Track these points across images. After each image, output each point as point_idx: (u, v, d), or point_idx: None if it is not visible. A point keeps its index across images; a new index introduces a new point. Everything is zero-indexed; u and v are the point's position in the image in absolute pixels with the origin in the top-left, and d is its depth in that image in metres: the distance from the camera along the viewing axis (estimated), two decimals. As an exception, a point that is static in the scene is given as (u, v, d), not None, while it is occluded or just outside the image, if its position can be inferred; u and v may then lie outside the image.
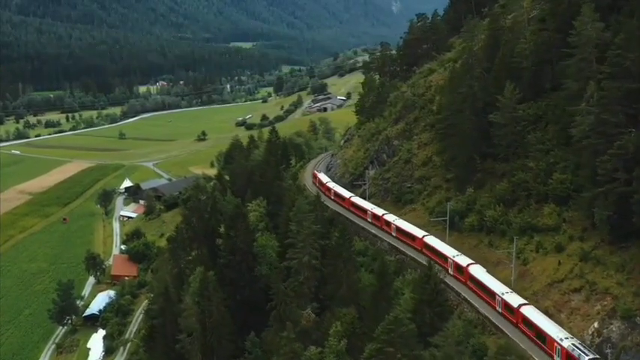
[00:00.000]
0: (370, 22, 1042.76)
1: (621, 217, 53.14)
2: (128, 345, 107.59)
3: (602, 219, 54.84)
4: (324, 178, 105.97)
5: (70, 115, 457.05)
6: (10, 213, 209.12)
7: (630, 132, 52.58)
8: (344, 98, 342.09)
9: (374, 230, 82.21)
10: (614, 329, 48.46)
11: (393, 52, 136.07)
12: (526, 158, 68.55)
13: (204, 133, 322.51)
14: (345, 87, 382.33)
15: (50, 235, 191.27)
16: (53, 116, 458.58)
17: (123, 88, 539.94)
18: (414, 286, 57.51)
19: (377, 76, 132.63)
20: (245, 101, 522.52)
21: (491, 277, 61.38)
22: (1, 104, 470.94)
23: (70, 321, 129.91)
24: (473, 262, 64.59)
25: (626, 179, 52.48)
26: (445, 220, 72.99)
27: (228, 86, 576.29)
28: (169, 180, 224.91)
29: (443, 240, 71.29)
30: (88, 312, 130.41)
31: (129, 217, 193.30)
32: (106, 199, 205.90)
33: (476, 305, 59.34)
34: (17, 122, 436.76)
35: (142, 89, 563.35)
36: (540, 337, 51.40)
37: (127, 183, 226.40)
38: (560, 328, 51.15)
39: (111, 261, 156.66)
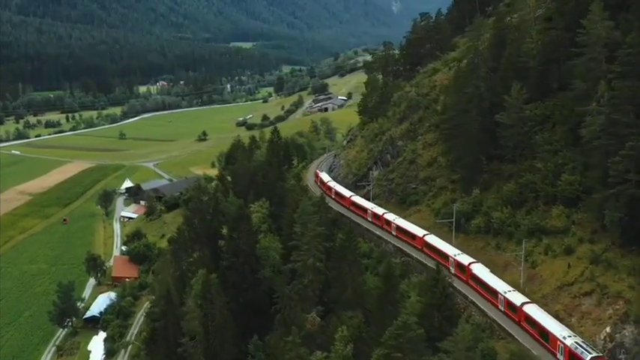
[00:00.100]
0: (370, 22, 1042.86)
1: (633, 219, 52.36)
2: (129, 348, 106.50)
3: (613, 221, 53.93)
4: (325, 177, 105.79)
5: (70, 115, 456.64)
6: (10, 214, 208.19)
7: (642, 132, 51.69)
8: (345, 98, 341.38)
9: (378, 232, 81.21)
10: (627, 334, 47.48)
11: (396, 51, 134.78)
12: (533, 159, 67.54)
13: (204, 134, 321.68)
14: (345, 87, 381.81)
15: (50, 236, 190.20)
16: (53, 116, 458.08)
17: (123, 88, 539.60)
18: (422, 289, 56.37)
19: (380, 76, 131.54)
20: (245, 101, 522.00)
21: (494, 275, 61.02)
22: (1, 104, 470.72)
23: (70, 323, 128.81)
24: (474, 260, 64.29)
25: (638, 181, 51.71)
26: (451, 221, 71.96)
27: (228, 86, 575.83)
28: (170, 180, 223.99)
29: (449, 242, 70.34)
30: (88, 314, 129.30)
31: (129, 218, 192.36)
32: (107, 199, 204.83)
33: (484, 309, 58.33)
34: (17, 122, 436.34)
35: (142, 89, 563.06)
36: (543, 335, 51.20)
37: (128, 183, 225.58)
38: (563, 326, 50.82)
39: (111, 262, 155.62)
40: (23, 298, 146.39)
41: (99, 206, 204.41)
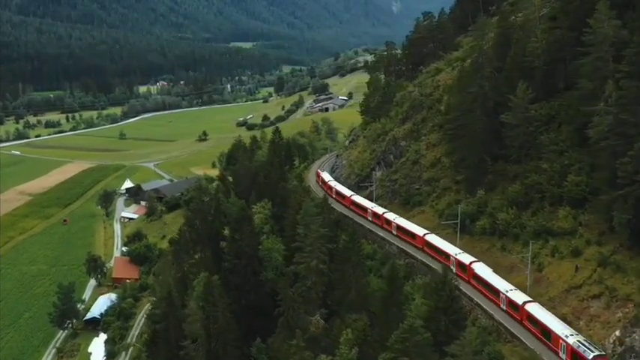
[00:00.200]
0: (370, 22, 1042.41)
1: (642, 221, 51.56)
2: (130, 350, 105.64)
3: (622, 223, 53.22)
4: (326, 176, 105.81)
5: (70, 115, 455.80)
6: (10, 214, 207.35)
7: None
8: (346, 98, 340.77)
9: (381, 233, 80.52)
10: (637, 337, 46.69)
11: (398, 51, 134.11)
12: (539, 160, 66.91)
13: (205, 134, 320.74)
14: (346, 87, 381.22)
15: (50, 236, 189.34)
16: (53, 116, 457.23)
17: (123, 88, 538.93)
18: (428, 292, 55.62)
19: (382, 76, 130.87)
20: (246, 101, 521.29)
21: (495, 274, 60.77)
22: (1, 104, 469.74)
23: (70, 325, 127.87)
24: (475, 259, 64.09)
25: (647, 182, 50.85)
26: (456, 223, 71.24)
27: (228, 86, 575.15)
28: (170, 181, 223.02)
29: (453, 243, 69.67)
30: (89, 315, 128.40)
31: (130, 219, 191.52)
32: (107, 200, 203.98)
33: (491, 312, 57.60)
34: (17, 122, 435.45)
35: (142, 89, 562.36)
36: (545, 334, 51.01)
37: (128, 184, 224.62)
38: (565, 324, 50.60)
39: (112, 263, 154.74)
40: (23, 300, 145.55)
41: (99, 207, 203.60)
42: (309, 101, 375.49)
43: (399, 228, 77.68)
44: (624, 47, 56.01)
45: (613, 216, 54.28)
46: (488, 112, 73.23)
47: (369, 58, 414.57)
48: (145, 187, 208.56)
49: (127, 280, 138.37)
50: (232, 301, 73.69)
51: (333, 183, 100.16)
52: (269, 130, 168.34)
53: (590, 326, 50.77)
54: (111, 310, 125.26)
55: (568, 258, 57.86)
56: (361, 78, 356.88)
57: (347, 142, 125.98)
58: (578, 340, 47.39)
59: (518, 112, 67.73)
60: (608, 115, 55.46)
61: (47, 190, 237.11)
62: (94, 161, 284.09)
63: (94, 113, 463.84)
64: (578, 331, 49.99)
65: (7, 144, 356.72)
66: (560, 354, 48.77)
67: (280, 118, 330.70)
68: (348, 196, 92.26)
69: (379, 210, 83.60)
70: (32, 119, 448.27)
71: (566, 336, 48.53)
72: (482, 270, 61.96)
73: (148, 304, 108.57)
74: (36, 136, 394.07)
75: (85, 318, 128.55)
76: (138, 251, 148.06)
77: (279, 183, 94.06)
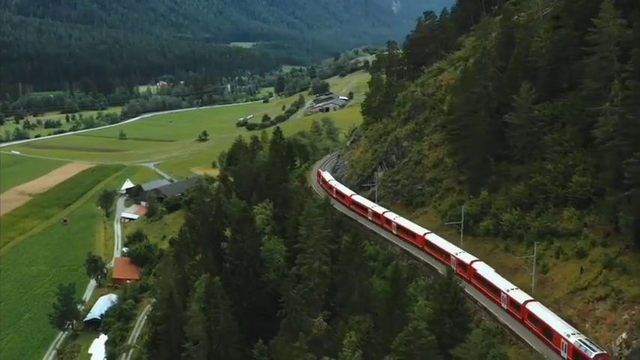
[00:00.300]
0: (370, 22, 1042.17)
1: (648, 222, 51.07)
2: (131, 351, 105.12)
3: (627, 224, 52.75)
4: (327, 176, 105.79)
5: (70, 115, 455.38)
6: (9, 214, 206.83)
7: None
8: (346, 98, 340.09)
9: (384, 234, 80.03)
10: (644, 340, 46.19)
11: (400, 51, 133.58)
12: (543, 160, 66.40)
13: (205, 134, 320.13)
14: (346, 87, 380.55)
15: (50, 237, 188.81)
16: (53, 116, 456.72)
17: (123, 88, 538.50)
18: (433, 294, 55.13)
19: (384, 76, 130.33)
20: (246, 101, 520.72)
21: (496, 273, 60.61)
22: (1, 104, 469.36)
23: (70, 326, 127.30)
24: (476, 259, 63.99)
25: (654, 183, 50.36)
26: (459, 224, 70.75)
27: (228, 86, 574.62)
28: (171, 181, 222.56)
29: (456, 244, 69.19)
30: (89, 316, 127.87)
31: (130, 219, 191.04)
32: (107, 200, 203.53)
33: (495, 314, 57.10)
34: (17, 122, 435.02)
35: (142, 89, 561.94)
36: (547, 333, 50.90)
37: (128, 184, 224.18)
38: (566, 324, 50.42)
39: (112, 264, 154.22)
40: (23, 301, 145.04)
41: (99, 207, 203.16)
42: (309, 101, 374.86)
43: (400, 227, 77.65)
44: (629, 47, 55.53)
45: (618, 217, 53.90)
46: (492, 112, 72.83)
47: (370, 58, 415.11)
48: (146, 187, 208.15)
49: (128, 281, 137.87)
50: (234, 302, 73.24)
51: (334, 182, 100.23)
52: (270, 130, 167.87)
53: (596, 328, 50.23)
54: (111, 311, 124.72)
55: (573, 259, 57.34)
56: (361, 78, 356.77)
57: (348, 143, 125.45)
58: (580, 340, 47.32)
59: (522, 112, 67.24)
60: (613, 115, 54.97)
61: (47, 190, 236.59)
62: (94, 161, 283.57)
63: (94, 113, 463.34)
64: (584, 333, 49.48)
65: (7, 144, 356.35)
66: (562, 353, 48.71)
67: (281, 118, 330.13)
68: (349, 195, 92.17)
69: (379, 209, 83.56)
70: (32, 119, 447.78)
71: (568, 335, 48.52)
72: (483, 269, 61.89)
73: (149, 305, 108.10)
74: (36, 136, 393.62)
75: (86, 319, 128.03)
76: (138, 252, 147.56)
77: (281, 183, 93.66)
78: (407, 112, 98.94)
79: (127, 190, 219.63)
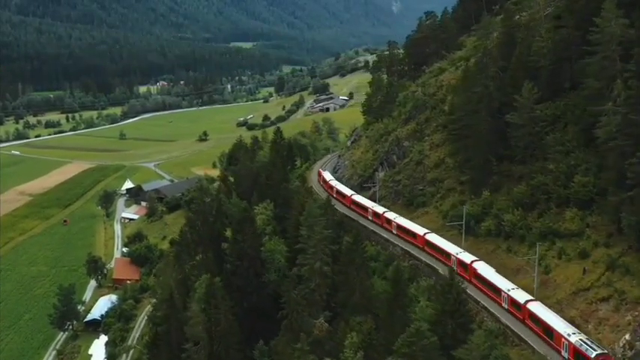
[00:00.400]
0: (370, 22, 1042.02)
1: (651, 222, 50.78)
2: (131, 352, 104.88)
3: (630, 224, 52.51)
4: (327, 175, 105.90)
5: (70, 115, 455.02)
6: (9, 215, 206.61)
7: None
8: (346, 98, 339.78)
9: (385, 234, 79.80)
10: (647, 341, 45.92)
11: (401, 51, 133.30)
12: (545, 160, 66.16)
13: (205, 134, 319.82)
14: (346, 87, 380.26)
15: (50, 237, 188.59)
16: (53, 116, 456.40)
17: (123, 88, 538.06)
18: (435, 295, 54.87)
19: (384, 76, 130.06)
20: (246, 101, 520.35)
21: (496, 273, 60.57)
22: (1, 104, 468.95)
23: (71, 326, 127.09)
24: (477, 258, 64.05)
25: (657, 183, 50.11)
26: (461, 224, 70.50)
27: (228, 86, 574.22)
28: (171, 181, 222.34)
29: (458, 244, 68.97)
30: (89, 317, 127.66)
31: (130, 219, 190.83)
32: (107, 200, 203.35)
33: (497, 314, 56.86)
34: (17, 122, 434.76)
35: (142, 89, 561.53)
36: (547, 332, 50.85)
37: (129, 184, 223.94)
38: (567, 323, 50.34)
39: (112, 264, 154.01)
40: (23, 301, 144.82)
41: (99, 207, 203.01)
42: (309, 101, 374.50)
43: (400, 227, 77.66)
44: (632, 46, 55.32)
45: (621, 217, 53.69)
46: (493, 112, 72.65)
47: (370, 58, 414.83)
48: (146, 187, 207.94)
49: (128, 282, 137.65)
50: (234, 303, 72.93)
51: (334, 182, 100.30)
52: (270, 130, 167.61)
53: (599, 329, 49.97)
54: (111, 312, 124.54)
55: (575, 260, 57.10)
56: (362, 78, 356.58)
57: (349, 143, 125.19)
58: (581, 339, 47.30)
59: (524, 112, 66.98)
60: (616, 115, 54.69)
61: (47, 190, 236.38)
62: (94, 161, 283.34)
63: (94, 113, 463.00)
64: (587, 334, 49.23)
65: (7, 144, 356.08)
66: (563, 353, 48.70)
67: (281, 118, 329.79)
68: (349, 195, 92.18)
69: (379, 209, 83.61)
70: (32, 119, 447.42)
71: (569, 334, 48.50)
72: (484, 269, 61.87)
73: (149, 305, 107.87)
74: (36, 137, 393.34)
75: (86, 320, 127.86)
76: (138, 252, 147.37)
77: (282, 184, 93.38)
78: (408, 112, 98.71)
79: (127, 190, 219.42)
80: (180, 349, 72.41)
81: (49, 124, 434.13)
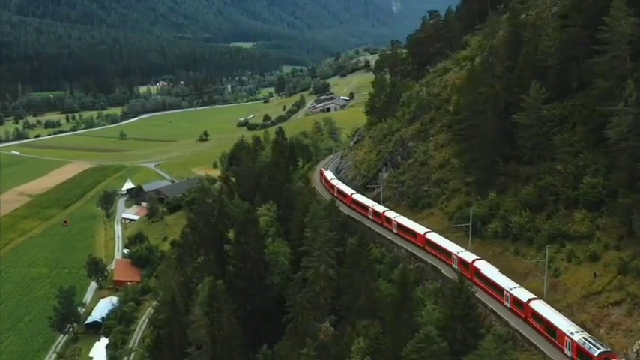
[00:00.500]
0: (370, 22, 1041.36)
1: (663, 225, 49.89)
2: (132, 355, 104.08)
3: (642, 227, 51.48)
4: (329, 175, 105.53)
5: (70, 115, 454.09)
6: (9, 215, 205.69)
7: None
8: (347, 98, 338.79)
9: (390, 236, 78.85)
10: (661, 347, 44.96)
11: (404, 50, 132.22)
12: (553, 161, 65.10)
13: (206, 134, 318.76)
14: (347, 87, 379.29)
15: (51, 238, 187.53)
16: (53, 117, 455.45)
17: (123, 88, 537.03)
18: (444, 299, 53.88)
19: (388, 76, 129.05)
20: (246, 101, 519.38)
21: (498, 272, 60.17)
22: (1, 104, 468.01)
23: (71, 329, 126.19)
24: (478, 257, 63.73)
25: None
26: (467, 226, 69.52)
27: (229, 86, 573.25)
28: (172, 181, 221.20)
29: (465, 246, 68.03)
30: (90, 319, 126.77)
31: (131, 220, 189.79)
32: (108, 201, 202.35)
33: (506, 318, 55.87)
34: (17, 123, 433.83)
35: (142, 89, 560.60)
36: (550, 330, 50.52)
37: (129, 184, 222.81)
38: (570, 321, 50.00)
39: (113, 265, 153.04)
40: (23, 303, 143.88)
41: (100, 208, 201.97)
42: (310, 101, 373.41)
43: (400, 226, 77.23)
44: (644, 45, 54.38)
45: (632, 219, 52.80)
46: (500, 112, 71.54)
47: (370, 58, 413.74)
48: (146, 187, 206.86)
49: (129, 283, 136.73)
50: (237, 306, 72.15)
51: (335, 182, 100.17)
52: (272, 131, 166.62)
53: (612, 334, 48.96)
54: (112, 314, 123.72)
55: (585, 263, 56.05)
56: (362, 78, 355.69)
57: (351, 143, 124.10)
58: (584, 337, 47.02)
59: (531, 112, 65.87)
60: (627, 116, 53.72)
61: (47, 191, 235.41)
62: (94, 162, 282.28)
63: (94, 113, 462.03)
64: (599, 339, 48.27)
65: (7, 144, 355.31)
66: (566, 351, 48.38)
67: (281, 119, 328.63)
68: (349, 194, 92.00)
69: (379, 208, 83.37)
70: (32, 119, 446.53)
71: (572, 333, 48.20)
72: (486, 268, 61.45)
73: (150, 307, 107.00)
74: (36, 137, 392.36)
75: (86, 322, 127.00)
76: (139, 253, 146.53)
77: (285, 185, 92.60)
78: (412, 112, 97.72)
79: (128, 190, 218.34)
80: (182, 352, 71.73)
81: (48, 125, 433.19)
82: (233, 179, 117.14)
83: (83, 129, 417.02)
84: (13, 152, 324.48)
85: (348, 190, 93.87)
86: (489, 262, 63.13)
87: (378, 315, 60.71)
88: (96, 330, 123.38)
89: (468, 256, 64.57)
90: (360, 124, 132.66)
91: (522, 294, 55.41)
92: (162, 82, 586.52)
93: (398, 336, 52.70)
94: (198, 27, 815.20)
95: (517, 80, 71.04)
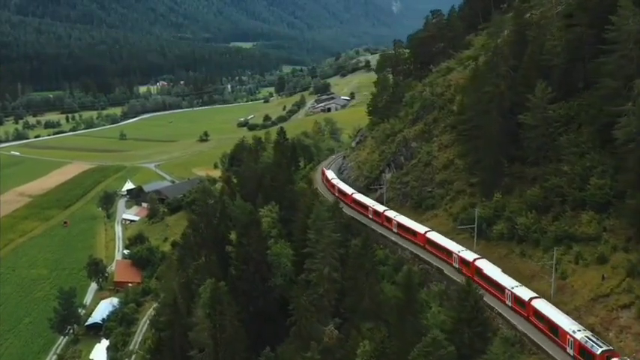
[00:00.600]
0: (370, 22, 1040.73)
1: (673, 226, 49.18)
2: (133, 357, 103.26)
3: (651, 228, 50.77)
4: (330, 174, 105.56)
5: (69, 115, 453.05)
6: (9, 216, 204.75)
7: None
8: (348, 98, 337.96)
9: (393, 237, 78.12)
10: (672, 351, 44.27)
11: (406, 50, 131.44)
12: (559, 162, 64.40)
13: (206, 134, 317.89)
14: (347, 87, 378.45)
15: (51, 239, 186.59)
16: (53, 117, 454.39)
17: (123, 88, 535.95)
18: (448, 301, 53.10)
19: (390, 75, 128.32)
20: (246, 101, 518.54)
21: (499, 270, 59.92)
22: (1, 105, 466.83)
23: (71, 330, 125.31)
24: (479, 256, 63.50)
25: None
26: (472, 227, 68.77)
27: (229, 86, 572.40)
28: (172, 182, 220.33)
29: (470, 248, 67.31)
30: (90, 321, 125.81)
31: (131, 221, 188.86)
32: (108, 201, 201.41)
33: (514, 322, 55.11)
34: (16, 123, 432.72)
35: (142, 89, 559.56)
36: (552, 329, 50.33)
37: (129, 185, 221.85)
38: (572, 320, 49.69)
39: (113, 267, 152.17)
40: (23, 304, 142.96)
41: (100, 208, 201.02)
42: (310, 101, 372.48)
43: (400, 226, 76.86)
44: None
45: (641, 221, 52.01)
46: (504, 112, 70.80)
47: (370, 57, 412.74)
48: (147, 188, 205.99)
49: (129, 284, 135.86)
50: (240, 308, 71.50)
51: (336, 181, 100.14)
52: (273, 131, 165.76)
53: (621, 338, 48.22)
54: (113, 316, 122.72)
55: (593, 265, 55.32)
56: (363, 78, 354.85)
57: (353, 143, 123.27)
58: (587, 336, 46.75)
59: (537, 112, 65.25)
60: (635, 116, 53.01)
61: (47, 191, 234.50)
62: (94, 162, 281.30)
63: (94, 113, 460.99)
64: (609, 342, 47.52)
65: (7, 144, 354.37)
66: (568, 349, 48.07)
67: (282, 119, 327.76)
68: (350, 194, 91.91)
69: (380, 208, 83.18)
70: (32, 119, 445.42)
71: (574, 331, 47.93)
72: (487, 267, 61.08)
73: (151, 309, 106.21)
74: (35, 137, 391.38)
75: (87, 323, 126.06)
76: (140, 254, 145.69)
77: (287, 185, 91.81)
78: (415, 113, 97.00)
79: (128, 191, 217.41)
80: (184, 355, 70.95)
81: (48, 125, 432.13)
82: (234, 180, 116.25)
83: (83, 129, 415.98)
84: (12, 152, 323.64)
85: (348, 190, 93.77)
86: (494, 264, 62.51)
87: (382, 318, 60.05)
88: (96, 332, 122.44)
89: (469, 255, 64.29)
90: (362, 124, 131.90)
91: (524, 293, 55.19)
92: (162, 82, 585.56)
93: (403, 339, 52.03)
94: (198, 27, 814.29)
95: (522, 80, 70.35)
